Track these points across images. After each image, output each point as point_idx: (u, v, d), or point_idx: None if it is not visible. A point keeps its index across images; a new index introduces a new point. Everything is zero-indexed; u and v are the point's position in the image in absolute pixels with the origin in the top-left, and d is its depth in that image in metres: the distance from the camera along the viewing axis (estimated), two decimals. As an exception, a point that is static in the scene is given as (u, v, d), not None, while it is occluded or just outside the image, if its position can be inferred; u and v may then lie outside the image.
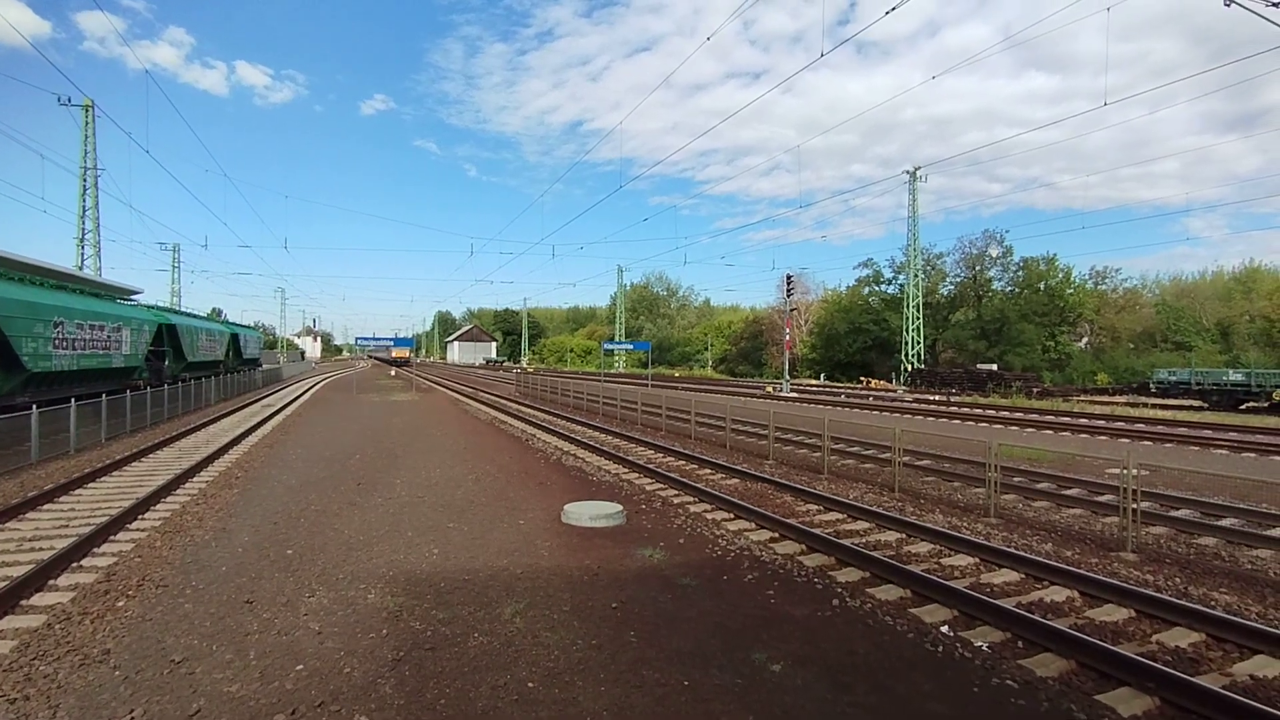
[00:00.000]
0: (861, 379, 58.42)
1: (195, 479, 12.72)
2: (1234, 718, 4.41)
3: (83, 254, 38.98)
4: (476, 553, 7.99)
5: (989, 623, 6.09)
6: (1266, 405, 30.64)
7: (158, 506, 10.45)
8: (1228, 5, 8.21)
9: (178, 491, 11.58)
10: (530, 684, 4.85)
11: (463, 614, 6.13)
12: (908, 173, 52.21)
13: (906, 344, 53.38)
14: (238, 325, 56.87)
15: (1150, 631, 6.09)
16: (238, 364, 47.87)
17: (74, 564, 7.59)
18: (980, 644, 5.69)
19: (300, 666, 5.09)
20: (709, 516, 9.94)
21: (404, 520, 9.45)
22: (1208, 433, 20.49)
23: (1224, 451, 17.09)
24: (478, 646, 5.47)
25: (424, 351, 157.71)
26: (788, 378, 45.20)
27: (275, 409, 27.60)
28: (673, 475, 12.64)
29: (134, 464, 14.34)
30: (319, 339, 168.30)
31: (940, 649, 5.56)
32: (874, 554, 7.82)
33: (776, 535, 8.92)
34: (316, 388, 45.43)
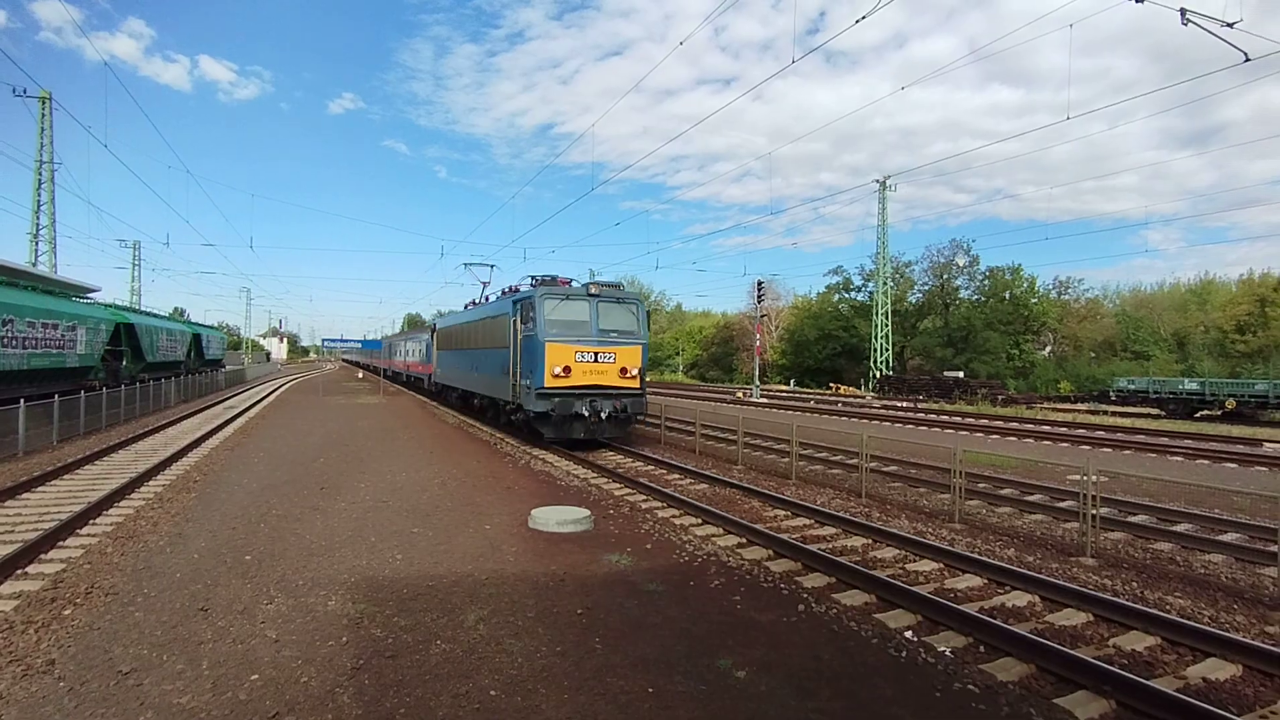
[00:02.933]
0: (831, 385, 59.04)
1: (151, 482, 12.36)
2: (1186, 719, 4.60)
3: (37, 250, 37.79)
4: (441, 558, 7.87)
5: (952, 628, 6.15)
6: (1219, 414, 31.61)
7: (110, 511, 10.13)
8: (1185, 24, 8.43)
9: (132, 495, 11.23)
10: (492, 692, 4.77)
11: (425, 621, 6.02)
12: (877, 182, 52.93)
13: (875, 351, 54.07)
14: (200, 325, 55.60)
15: (1108, 635, 6.21)
16: (200, 365, 46.76)
17: (18, 570, 7.30)
18: (943, 649, 5.74)
19: (255, 676, 4.94)
20: (677, 522, 9.92)
21: (368, 525, 9.28)
22: (1164, 440, 21.04)
23: (1179, 458, 17.56)
24: (440, 654, 5.37)
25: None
26: (758, 383, 45.46)
27: (238, 411, 26.99)
28: (641, 480, 12.60)
29: (87, 467, 13.89)
30: (285, 340, 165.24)
31: (904, 654, 5.60)
32: (840, 559, 7.87)
33: (744, 540, 8.93)
34: (282, 390, 44.55)
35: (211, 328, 64.49)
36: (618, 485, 12.59)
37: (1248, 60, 9.11)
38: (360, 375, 69.16)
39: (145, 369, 33.48)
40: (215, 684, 4.82)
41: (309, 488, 11.74)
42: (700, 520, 9.97)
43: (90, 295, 30.83)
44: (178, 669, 5.06)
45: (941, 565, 8.12)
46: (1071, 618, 6.53)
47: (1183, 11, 8.78)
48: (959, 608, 6.40)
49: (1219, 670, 5.45)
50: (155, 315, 43.61)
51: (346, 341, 59.02)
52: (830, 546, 8.81)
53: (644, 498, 11.49)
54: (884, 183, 52.62)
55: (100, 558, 7.81)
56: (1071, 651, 5.47)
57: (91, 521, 9.48)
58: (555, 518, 9.29)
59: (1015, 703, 4.82)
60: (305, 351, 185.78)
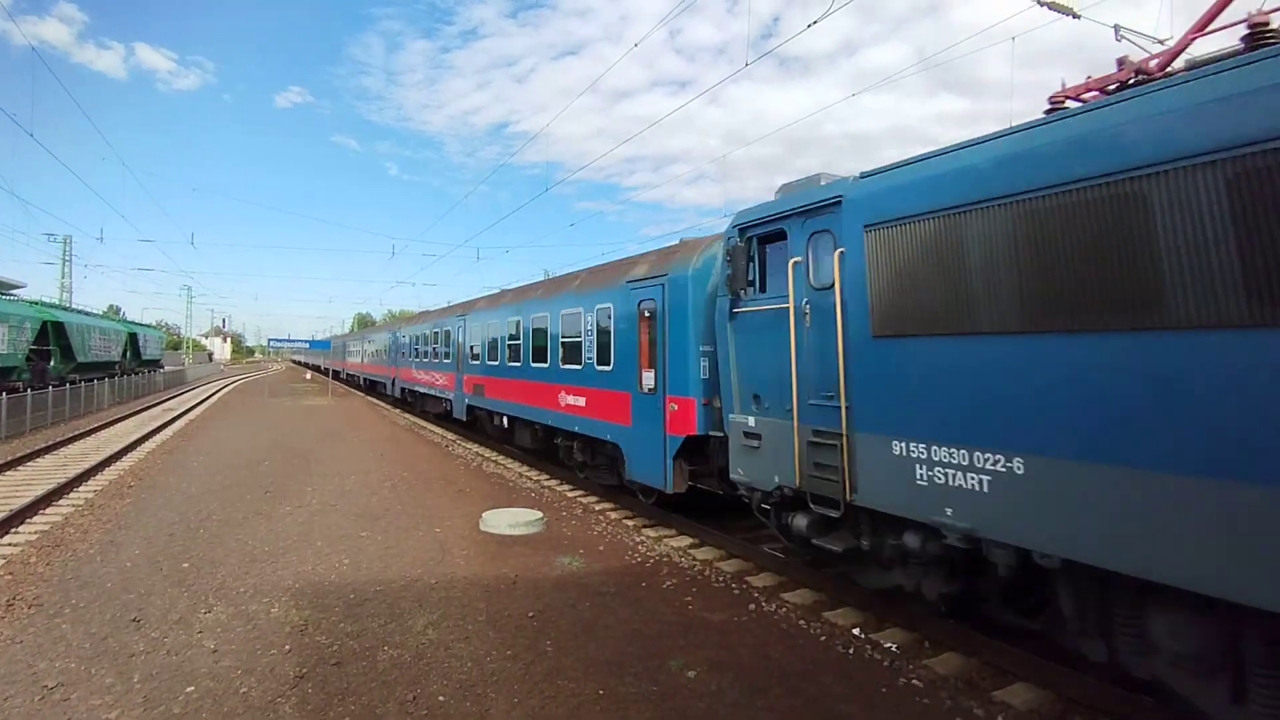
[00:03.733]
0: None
1: (82, 488, 11.81)
2: (1116, 702, 4.70)
3: (-42, 243, 35.74)
4: (390, 562, 7.71)
5: (899, 624, 6.29)
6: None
7: (35, 519, 9.64)
8: (1119, 40, 8.80)
9: (60, 502, 10.72)
10: (441, 698, 4.70)
11: (372, 627, 5.90)
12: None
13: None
14: (137, 324, 53.49)
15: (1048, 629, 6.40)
16: (136, 365, 44.97)
17: (-67, 582, 6.90)
18: (889, 645, 5.87)
19: (191, 688, 4.77)
20: (629, 523, 9.93)
21: (314, 529, 9.04)
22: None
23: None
24: (387, 660, 5.26)
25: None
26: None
27: (178, 413, 25.99)
28: (595, 481, 12.55)
29: (9, 473, 13.20)
30: (229, 340, 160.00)
31: (851, 651, 5.71)
32: (790, 558, 7.97)
33: (696, 541, 8.98)
34: (225, 391, 43.09)
35: (149, 326, 62.09)
36: (570, 487, 12.53)
37: (1176, 77, 9.61)
38: (308, 376, 67.42)
39: (76, 369, 32.02)
40: (147, 698, 4.64)
41: (253, 492, 11.38)
42: (652, 521, 9.99)
43: (13, 292, 29.35)
44: (107, 683, 4.84)
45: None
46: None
47: (1116, 28, 9.15)
48: (904, 604, 6.54)
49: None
50: (88, 314, 41.75)
51: (294, 341, 57.28)
52: (781, 546, 8.88)
53: (596, 499, 11.46)
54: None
55: (23, 568, 7.43)
56: (1010, 646, 5.64)
57: (13, 530, 9.01)
58: (507, 520, 9.20)
59: (957, 696, 4.96)
60: (251, 352, 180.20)
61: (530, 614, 6.26)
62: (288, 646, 5.47)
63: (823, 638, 5.96)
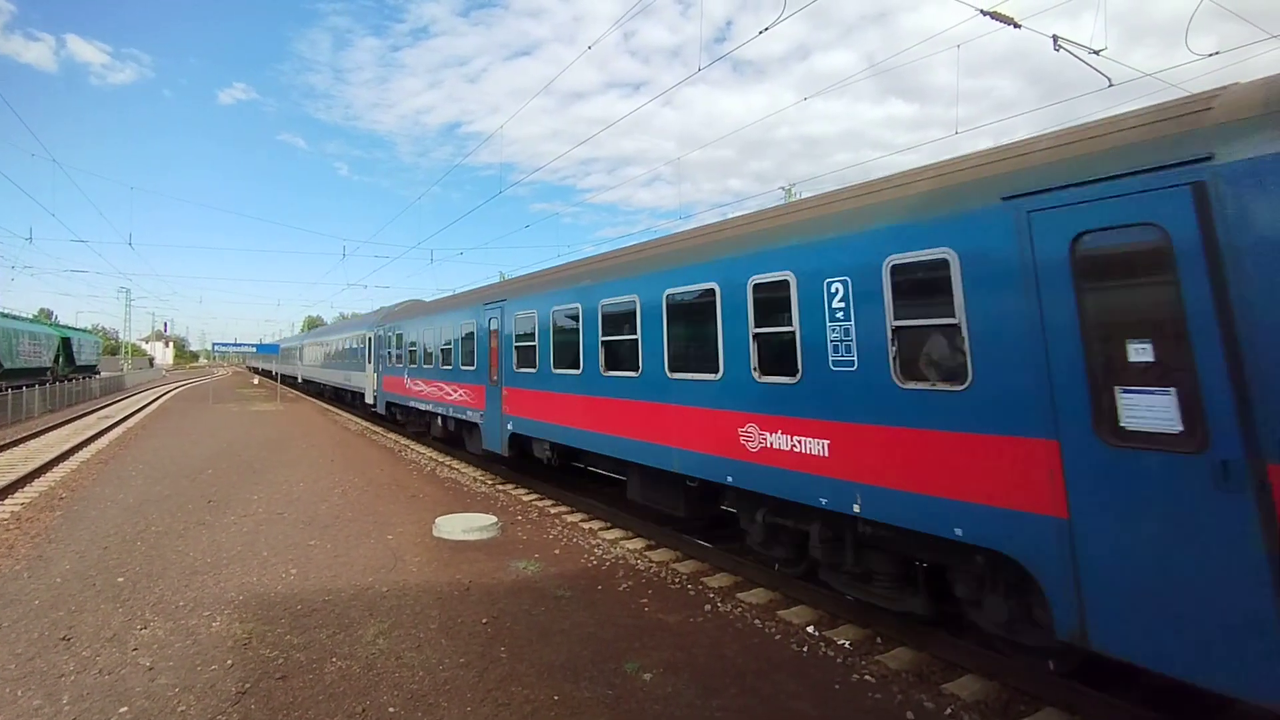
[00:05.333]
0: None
1: (7, 501, 11.23)
2: (1062, 693, 4.84)
3: None
4: (339, 571, 7.51)
5: (852, 621, 6.38)
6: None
7: (-42, 533, 9.12)
8: (1057, 50, 9.15)
9: (-15, 515, 10.16)
10: (391, 709, 4.59)
11: (320, 638, 5.73)
12: (783, 189, 54.61)
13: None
14: (71, 328, 51.21)
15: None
16: (71, 371, 43.07)
17: None
18: (843, 642, 5.95)
19: (124, 709, 4.56)
20: (585, 526, 9.87)
21: (260, 539, 8.75)
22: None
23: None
24: (336, 672, 5.12)
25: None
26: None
27: (115, 421, 24.92)
28: (550, 485, 12.46)
29: (-70, 485, 12.46)
30: (171, 345, 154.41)
31: (805, 649, 5.77)
32: (744, 558, 8.02)
33: (652, 542, 8.98)
34: (166, 397, 41.51)
35: (84, 331, 59.52)
36: (525, 491, 12.40)
37: (1111, 85, 9.98)
38: (256, 382, 65.43)
39: (3, 376, 30.48)
40: None
41: (194, 501, 10.97)
42: (608, 524, 9.96)
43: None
44: (34, 705, 4.60)
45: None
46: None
47: (1055, 38, 9.51)
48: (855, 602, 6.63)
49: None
50: (15, 317, 39.77)
51: (240, 346, 55.49)
52: (737, 545, 8.95)
53: (552, 503, 11.37)
54: (789, 190, 54.35)
55: (-57, 586, 7.02)
56: (958, 640, 5.77)
57: (-66, 546, 8.50)
58: (461, 525, 9.06)
59: (908, 690, 5.05)
60: (195, 356, 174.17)
61: (484, 620, 6.16)
62: (230, 661, 5.27)
63: (778, 636, 6.01)
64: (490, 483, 13.21)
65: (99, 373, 50.85)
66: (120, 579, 7.19)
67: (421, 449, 17.94)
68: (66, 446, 17.29)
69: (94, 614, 6.22)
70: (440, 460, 15.97)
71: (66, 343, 44.11)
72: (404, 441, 19.57)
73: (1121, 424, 4.05)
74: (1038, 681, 5.03)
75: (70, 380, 37.92)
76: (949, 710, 4.77)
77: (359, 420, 25.74)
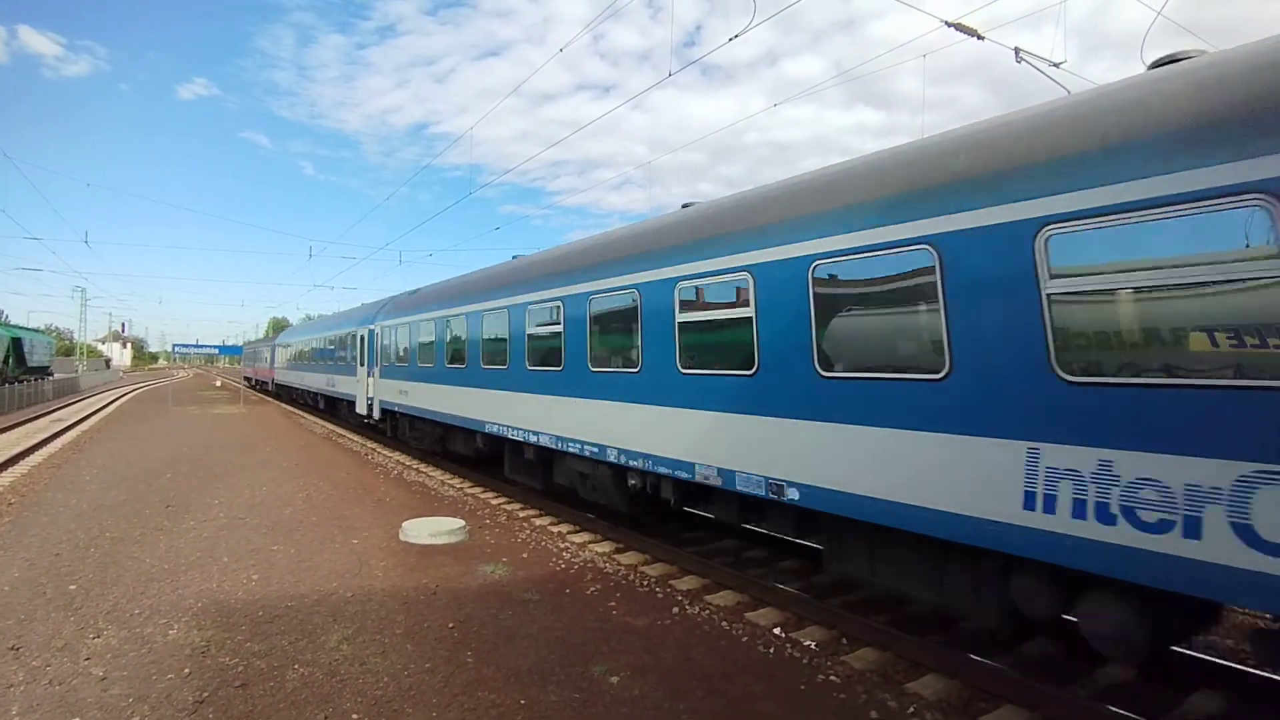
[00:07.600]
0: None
1: (-46, 506, 10.82)
2: (1020, 692, 4.96)
3: None
4: (303, 576, 7.38)
5: (818, 622, 6.45)
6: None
7: (-101, 540, 8.76)
8: (1019, 62, 9.40)
9: (-71, 521, 9.78)
10: (355, 715, 4.52)
11: (282, 644, 5.62)
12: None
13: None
14: (21, 328, 49.60)
15: (955, 621, 6.69)
16: (21, 373, 41.68)
17: None
18: (808, 643, 6.01)
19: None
20: (554, 529, 9.83)
21: (220, 545, 8.56)
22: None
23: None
24: (298, 679, 5.03)
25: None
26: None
27: (69, 424, 24.19)
28: (518, 488, 12.39)
29: None
30: (129, 346, 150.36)
31: (772, 650, 5.82)
32: (712, 561, 8.07)
33: (620, 545, 8.98)
34: (124, 400, 40.40)
35: (36, 331, 57.68)
36: (494, 494, 12.31)
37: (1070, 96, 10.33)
38: (218, 384, 63.99)
39: (-49, 377, 29.36)
40: (25, 731, 4.28)
41: (152, 506, 10.69)
42: (577, 527, 9.93)
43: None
44: (-22, 717, 4.44)
45: (809, 563, 8.49)
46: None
47: (1017, 50, 9.76)
48: (822, 603, 6.72)
49: (1051, 645, 6.01)
50: (-35, 316, 38.39)
51: (202, 348, 54.35)
52: (703, 549, 9.00)
53: (520, 506, 11.31)
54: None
55: (-117, 595, 6.74)
56: (920, 639, 5.87)
57: (-127, 553, 8.16)
58: (428, 529, 8.96)
59: (872, 690, 5.12)
60: (154, 358, 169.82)
61: (451, 625, 6.11)
62: (187, 670, 5.15)
63: (745, 639, 6.05)
64: (459, 486, 13.09)
65: (52, 374, 49.28)
66: (72, 586, 6.98)
67: (388, 452, 17.70)
68: (16, 450, 16.71)
69: (44, 623, 6.03)
70: (408, 464, 15.78)
71: (17, 343, 42.68)
72: (370, 445, 19.30)
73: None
74: (998, 679, 5.14)
75: (20, 382, 36.68)
76: (911, 709, 4.85)
77: (325, 423, 25.31)
